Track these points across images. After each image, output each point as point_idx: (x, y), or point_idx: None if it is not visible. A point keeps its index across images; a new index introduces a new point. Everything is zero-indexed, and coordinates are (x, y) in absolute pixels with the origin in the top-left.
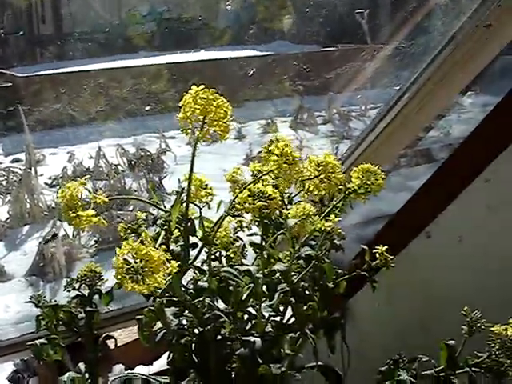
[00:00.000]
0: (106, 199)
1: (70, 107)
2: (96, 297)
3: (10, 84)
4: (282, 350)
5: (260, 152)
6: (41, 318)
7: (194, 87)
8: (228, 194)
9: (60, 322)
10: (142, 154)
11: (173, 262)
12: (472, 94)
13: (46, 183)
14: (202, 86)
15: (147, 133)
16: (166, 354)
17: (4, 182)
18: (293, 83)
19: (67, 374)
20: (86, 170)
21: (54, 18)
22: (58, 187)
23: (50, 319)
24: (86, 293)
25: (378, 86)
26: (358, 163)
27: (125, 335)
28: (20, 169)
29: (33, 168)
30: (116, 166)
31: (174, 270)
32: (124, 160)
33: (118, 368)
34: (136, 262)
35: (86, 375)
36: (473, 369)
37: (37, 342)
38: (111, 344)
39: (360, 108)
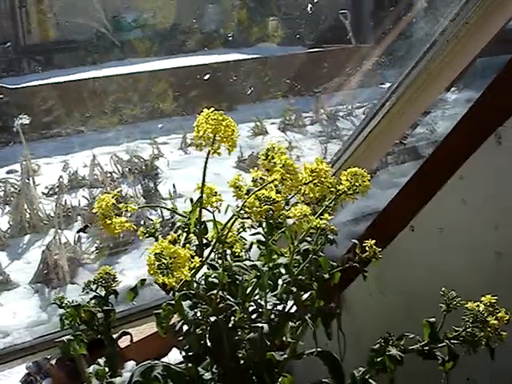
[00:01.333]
0: (136, 207)
1: (61, 116)
2: (111, 297)
3: (0, 96)
4: (284, 338)
5: (251, 155)
6: (64, 317)
7: (205, 110)
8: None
9: (80, 321)
10: (136, 160)
11: (196, 258)
12: (455, 90)
13: (43, 193)
14: (212, 109)
15: (139, 139)
16: (173, 350)
17: (1, 193)
18: (280, 85)
19: (92, 367)
20: (82, 178)
21: (40, 27)
22: (55, 196)
23: (74, 318)
24: (103, 293)
25: (364, 85)
26: (348, 165)
27: (133, 335)
28: (16, 180)
29: (31, 178)
30: (111, 173)
31: (197, 265)
32: (118, 167)
33: (130, 364)
34: (166, 259)
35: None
36: (451, 341)
37: (64, 338)
38: (123, 343)
39: (347, 107)
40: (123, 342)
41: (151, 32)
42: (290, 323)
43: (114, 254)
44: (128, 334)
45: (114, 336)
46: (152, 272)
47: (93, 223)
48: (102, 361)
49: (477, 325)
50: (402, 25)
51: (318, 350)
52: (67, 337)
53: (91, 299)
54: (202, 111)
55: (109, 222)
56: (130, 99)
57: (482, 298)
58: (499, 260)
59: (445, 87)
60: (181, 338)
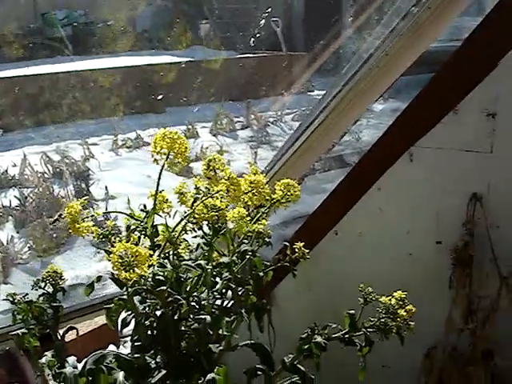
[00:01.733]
0: (101, 213)
1: None
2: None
3: None
4: (220, 332)
5: None
6: (16, 312)
7: (162, 129)
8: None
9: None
10: (67, 161)
11: (154, 256)
12: (381, 101)
13: None
14: (168, 129)
15: (69, 140)
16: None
17: None
18: (211, 89)
19: (44, 358)
20: (12, 177)
21: None
22: None
23: (26, 313)
24: (51, 290)
25: (294, 91)
26: (280, 173)
27: (71, 333)
28: None
29: None
30: (42, 173)
31: (155, 263)
32: (49, 167)
33: (71, 359)
34: (128, 257)
35: None
36: (368, 330)
37: (18, 331)
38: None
39: (276, 113)
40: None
41: (82, 30)
42: (226, 318)
43: (48, 254)
44: (74, 328)
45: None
46: (116, 269)
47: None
48: (49, 354)
49: (389, 316)
50: (332, 36)
51: (251, 342)
52: (21, 330)
53: (40, 296)
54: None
55: (77, 225)
56: (59, 98)
57: (394, 294)
58: (411, 260)
59: (370, 103)
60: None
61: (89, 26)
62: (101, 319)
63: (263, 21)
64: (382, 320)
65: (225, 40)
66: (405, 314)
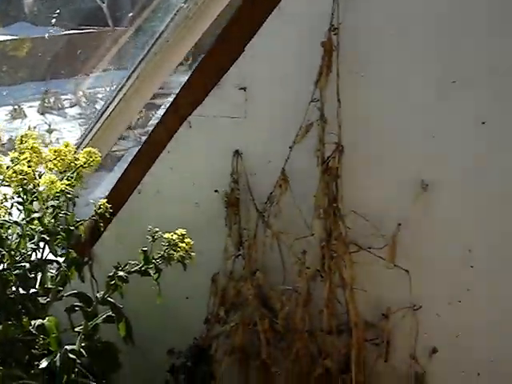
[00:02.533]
0: None
1: None
2: None
3: None
4: (46, 286)
5: (10, 138)
6: None
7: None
8: None
9: None
10: None
11: None
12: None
13: None
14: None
15: None
16: None
17: None
18: (37, 67)
19: None
20: None
21: None
22: None
23: None
24: None
25: (121, 67)
26: (91, 144)
27: None
28: None
29: None
30: None
31: None
32: None
33: None
34: None
35: None
36: (157, 261)
37: None
38: None
39: (105, 89)
40: None
41: None
42: (50, 274)
43: None
44: None
45: None
46: None
47: None
48: None
49: (172, 248)
50: (148, 9)
51: (74, 291)
52: None
53: None
54: None
55: None
56: None
57: (176, 231)
58: (197, 207)
59: (159, 82)
60: None
61: None
62: None
63: None
64: (167, 252)
65: (50, 16)
66: (184, 245)
